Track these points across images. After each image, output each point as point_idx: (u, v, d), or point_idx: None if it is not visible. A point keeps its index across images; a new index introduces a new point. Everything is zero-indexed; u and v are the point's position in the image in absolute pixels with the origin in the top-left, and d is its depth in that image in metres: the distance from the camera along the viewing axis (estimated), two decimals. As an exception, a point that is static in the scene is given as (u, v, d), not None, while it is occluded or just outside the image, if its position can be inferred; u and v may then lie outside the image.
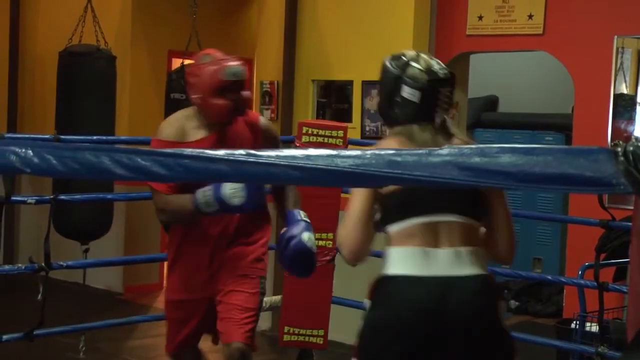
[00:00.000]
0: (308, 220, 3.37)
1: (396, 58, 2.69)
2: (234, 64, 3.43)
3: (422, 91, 2.61)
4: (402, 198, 2.54)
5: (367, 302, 2.63)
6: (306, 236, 3.29)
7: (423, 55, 2.69)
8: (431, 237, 2.52)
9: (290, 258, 3.29)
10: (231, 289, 3.47)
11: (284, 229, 3.38)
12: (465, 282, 2.49)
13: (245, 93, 3.48)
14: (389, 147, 2.58)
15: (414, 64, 2.64)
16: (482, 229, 2.62)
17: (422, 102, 2.61)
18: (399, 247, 2.54)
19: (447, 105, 2.66)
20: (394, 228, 2.56)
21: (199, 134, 3.43)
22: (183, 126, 3.45)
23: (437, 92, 2.63)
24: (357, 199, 2.57)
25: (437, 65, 2.67)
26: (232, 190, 3.21)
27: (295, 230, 3.31)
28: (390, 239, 2.58)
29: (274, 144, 3.61)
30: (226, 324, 3.45)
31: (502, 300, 2.63)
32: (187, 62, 6.48)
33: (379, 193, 2.56)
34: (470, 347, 2.49)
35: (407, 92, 2.62)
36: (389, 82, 2.66)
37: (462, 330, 2.47)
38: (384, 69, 2.70)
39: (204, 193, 3.23)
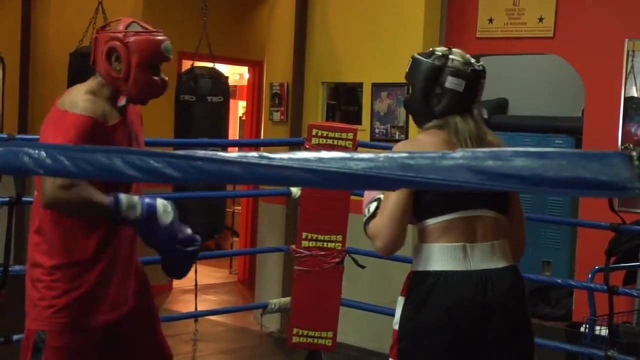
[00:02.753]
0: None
1: (429, 52, 2.71)
2: (167, 39, 3.07)
3: (467, 80, 2.63)
4: (442, 193, 2.57)
5: (401, 299, 2.63)
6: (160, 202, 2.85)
7: (456, 50, 2.72)
8: (469, 232, 2.57)
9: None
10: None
11: None
12: (502, 273, 2.57)
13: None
14: (424, 141, 2.64)
15: (452, 56, 2.66)
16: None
17: (466, 92, 2.63)
18: (439, 243, 2.57)
19: (481, 98, 2.71)
20: (432, 222, 2.59)
21: (113, 116, 2.98)
22: (103, 105, 2.97)
23: (478, 83, 2.67)
24: (393, 194, 2.58)
25: (471, 58, 2.70)
26: (164, 206, 2.83)
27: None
28: (427, 234, 2.60)
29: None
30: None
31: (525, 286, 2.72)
32: (197, 63, 6.50)
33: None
34: (502, 338, 2.57)
35: (451, 82, 2.63)
36: (429, 74, 2.67)
37: (500, 320, 2.56)
38: (418, 63, 2.71)
39: (130, 196, 2.83)
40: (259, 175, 1.07)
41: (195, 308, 5.62)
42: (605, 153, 0.86)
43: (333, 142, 4.76)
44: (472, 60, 2.68)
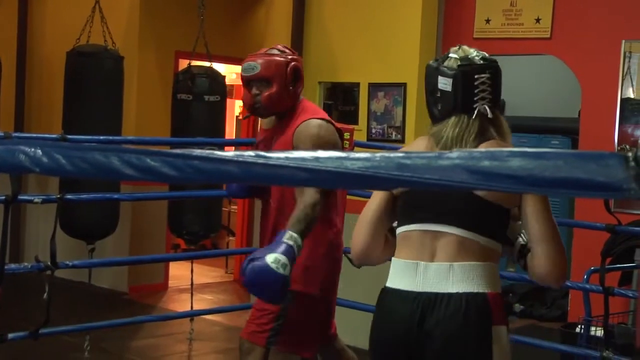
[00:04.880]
0: (291, 243, 3.09)
1: (441, 56, 2.55)
2: (251, 60, 3.58)
3: (454, 78, 2.42)
4: (407, 202, 2.44)
5: None
6: (271, 258, 3.02)
7: (464, 47, 2.52)
8: (427, 249, 2.37)
9: (248, 279, 3.05)
10: None
11: None
12: (448, 298, 2.30)
13: (270, 91, 3.50)
14: (414, 145, 2.57)
15: (452, 54, 2.49)
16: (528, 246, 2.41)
17: (457, 91, 2.42)
18: (396, 257, 2.44)
19: (488, 95, 2.45)
20: (398, 232, 2.47)
21: (268, 124, 3.68)
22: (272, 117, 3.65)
23: (472, 79, 2.43)
24: (372, 199, 2.49)
25: (476, 53, 2.49)
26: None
27: (263, 251, 3.11)
28: (396, 245, 2.49)
29: (305, 147, 3.49)
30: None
31: (502, 326, 2.35)
32: (194, 63, 6.50)
33: (394, 195, 2.47)
34: None
35: (442, 82, 2.45)
36: (428, 78, 2.52)
37: (434, 352, 2.31)
38: (426, 68, 2.55)
39: None
40: (256, 175, 1.07)
41: (191, 307, 5.63)
42: (601, 154, 0.86)
43: (330, 141, 4.75)
44: (473, 55, 2.47)
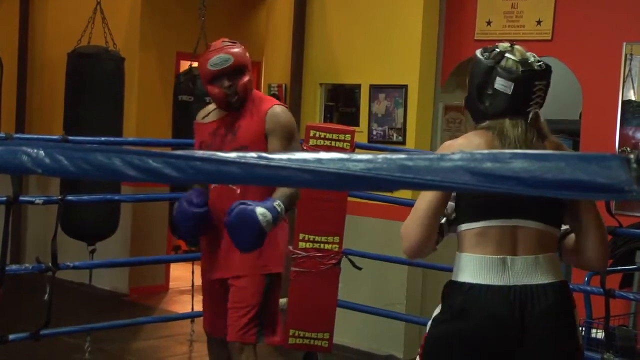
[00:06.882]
0: (279, 210, 3.32)
1: (489, 49, 2.57)
2: (220, 52, 3.56)
3: (516, 82, 2.48)
4: (480, 197, 2.44)
5: (438, 308, 2.52)
6: (260, 209, 3.24)
7: (517, 47, 2.57)
8: (509, 243, 2.42)
9: (233, 218, 3.24)
10: (231, 282, 3.61)
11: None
12: (546, 290, 2.40)
13: (244, 80, 3.55)
14: (473, 143, 2.51)
15: (508, 55, 2.52)
16: (572, 236, 2.54)
17: (515, 94, 2.48)
18: (475, 253, 2.44)
19: (541, 100, 2.53)
20: (465, 228, 2.47)
21: (211, 117, 3.71)
22: (209, 109, 3.76)
23: (532, 85, 2.50)
24: (428, 193, 2.46)
25: (532, 57, 2.55)
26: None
27: (254, 202, 3.30)
28: (463, 241, 2.48)
29: (280, 134, 3.59)
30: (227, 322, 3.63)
31: (576, 308, 2.52)
32: (195, 64, 6.50)
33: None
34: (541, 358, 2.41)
35: (500, 83, 2.49)
36: (480, 74, 2.53)
37: (539, 346, 2.39)
38: (476, 61, 2.57)
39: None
40: (258, 176, 1.07)
41: (192, 309, 5.62)
42: (603, 155, 0.87)
43: (330, 143, 4.76)
44: (532, 60, 2.53)
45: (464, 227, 2.47)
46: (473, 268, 2.42)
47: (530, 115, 2.49)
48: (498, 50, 2.55)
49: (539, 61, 2.55)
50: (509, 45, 2.57)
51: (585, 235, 2.47)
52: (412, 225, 2.46)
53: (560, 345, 2.43)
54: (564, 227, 2.57)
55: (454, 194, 2.49)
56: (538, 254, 2.42)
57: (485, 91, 2.51)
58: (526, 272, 2.40)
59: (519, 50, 2.56)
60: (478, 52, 2.59)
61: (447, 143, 2.61)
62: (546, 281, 2.40)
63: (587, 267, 2.62)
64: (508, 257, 2.41)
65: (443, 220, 2.54)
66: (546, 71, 2.55)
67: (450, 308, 2.45)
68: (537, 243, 2.43)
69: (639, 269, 4.94)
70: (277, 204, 3.33)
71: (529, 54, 2.57)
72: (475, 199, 2.46)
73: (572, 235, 2.54)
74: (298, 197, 3.63)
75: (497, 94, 2.49)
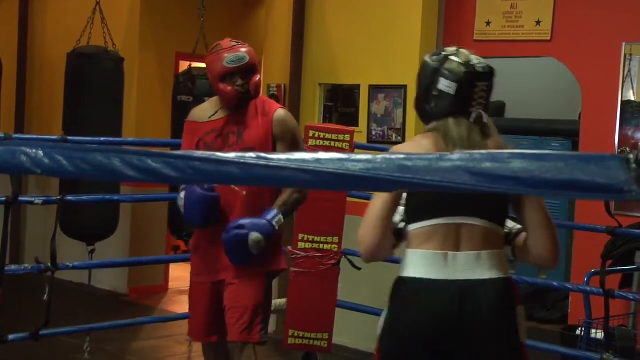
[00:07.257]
0: (277, 227, 3.42)
1: (437, 53, 2.67)
2: (235, 51, 3.55)
3: (458, 83, 2.57)
4: (425, 198, 2.52)
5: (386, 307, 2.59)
6: (254, 236, 3.35)
7: (463, 51, 2.66)
8: (453, 239, 2.50)
9: (227, 243, 3.39)
10: (231, 282, 3.58)
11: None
12: (487, 285, 2.46)
13: (256, 79, 3.57)
14: (422, 144, 2.59)
15: (453, 57, 2.62)
16: (524, 234, 2.60)
17: (458, 95, 2.57)
18: (419, 249, 2.51)
19: (484, 101, 2.61)
20: (414, 227, 2.54)
21: (213, 116, 3.63)
22: (206, 109, 3.68)
23: (474, 85, 2.59)
24: (379, 197, 2.54)
25: (476, 59, 2.64)
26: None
27: (250, 222, 3.37)
28: (411, 239, 2.55)
29: (289, 140, 3.62)
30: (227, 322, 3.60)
31: (521, 305, 2.56)
32: (194, 64, 6.50)
33: (402, 193, 2.54)
34: (481, 354, 2.47)
35: (444, 84, 2.58)
36: (426, 76, 2.63)
37: (479, 335, 2.45)
38: (423, 64, 2.67)
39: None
40: (257, 176, 1.07)
41: (191, 309, 5.61)
42: (602, 156, 0.87)
43: (330, 143, 4.76)
44: (475, 62, 2.62)
45: (412, 226, 2.55)
46: (416, 263, 2.51)
47: (473, 115, 2.57)
48: (444, 53, 2.65)
49: (482, 63, 2.64)
50: (455, 49, 2.68)
51: (533, 233, 2.54)
52: (366, 229, 2.53)
53: (500, 341, 2.49)
54: (517, 226, 2.64)
55: (405, 194, 2.57)
56: (480, 250, 2.49)
57: (431, 92, 2.61)
58: (467, 267, 2.47)
59: (464, 53, 2.65)
60: (426, 56, 2.70)
61: (395, 148, 2.75)
62: (488, 277, 2.47)
63: (539, 265, 2.69)
64: (450, 252, 2.48)
65: (402, 225, 2.60)
66: (489, 73, 2.63)
67: (395, 305, 2.53)
68: (480, 240, 2.50)
69: (639, 269, 4.94)
70: (277, 220, 3.42)
71: (473, 56, 2.65)
72: (422, 199, 2.53)
73: (524, 234, 2.60)
74: (305, 197, 3.64)
75: (441, 95, 2.59)
